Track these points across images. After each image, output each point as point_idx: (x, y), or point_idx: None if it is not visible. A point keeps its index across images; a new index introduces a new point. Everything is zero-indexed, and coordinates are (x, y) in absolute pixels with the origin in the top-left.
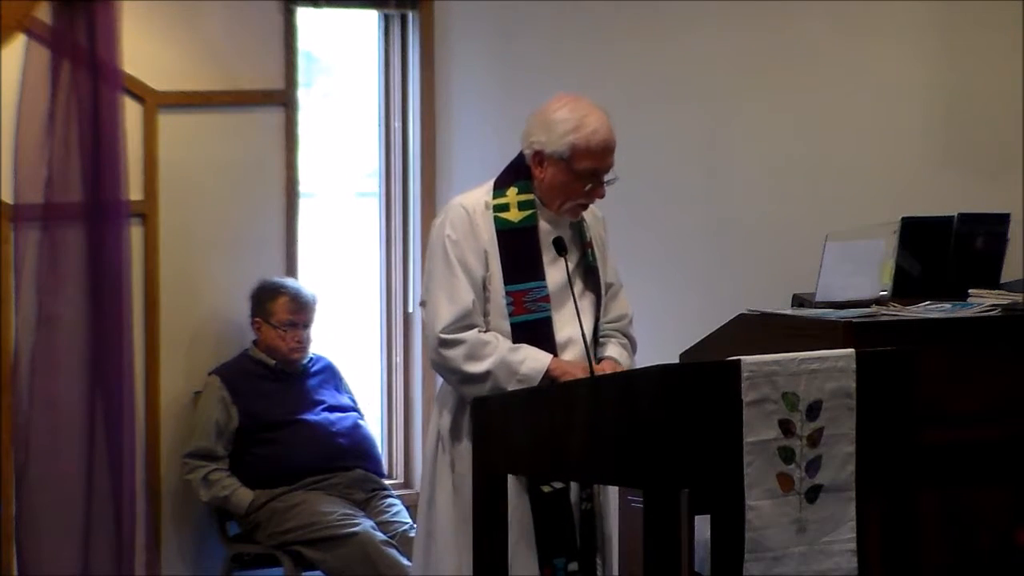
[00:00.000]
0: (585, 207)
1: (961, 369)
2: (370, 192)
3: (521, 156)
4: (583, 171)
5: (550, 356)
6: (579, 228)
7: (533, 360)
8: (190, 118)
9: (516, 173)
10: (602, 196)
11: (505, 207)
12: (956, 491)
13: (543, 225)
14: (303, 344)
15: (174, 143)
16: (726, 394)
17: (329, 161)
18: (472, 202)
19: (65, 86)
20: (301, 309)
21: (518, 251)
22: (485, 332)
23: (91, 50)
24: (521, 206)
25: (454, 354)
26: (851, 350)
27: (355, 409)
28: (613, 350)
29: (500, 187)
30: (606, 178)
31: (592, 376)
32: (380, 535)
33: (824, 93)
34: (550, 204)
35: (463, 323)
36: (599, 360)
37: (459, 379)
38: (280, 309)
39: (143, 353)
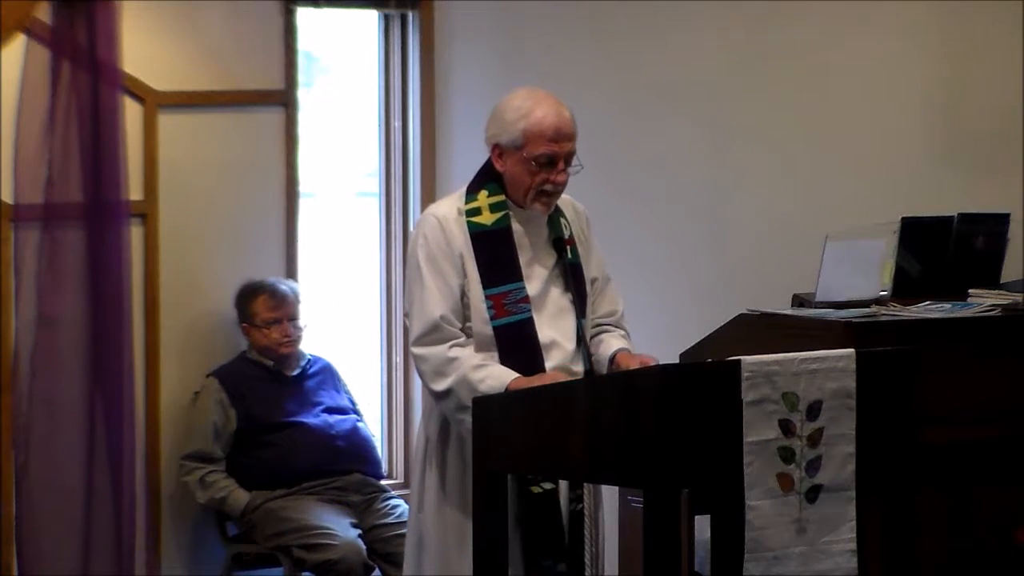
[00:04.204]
0: (551, 196)
1: (961, 369)
2: (370, 192)
3: (490, 159)
4: (538, 157)
5: (513, 374)
6: (556, 225)
7: (494, 379)
8: (190, 118)
9: (486, 176)
10: (563, 182)
11: (477, 211)
12: (956, 491)
13: (516, 226)
14: (291, 336)
15: (174, 143)
16: (726, 394)
17: (329, 161)
18: (444, 211)
19: (65, 86)
20: (280, 304)
21: (494, 254)
22: (461, 343)
23: (91, 50)
24: (493, 208)
25: (423, 369)
26: (851, 350)
27: (354, 410)
28: (619, 342)
29: (471, 192)
30: (572, 167)
31: (592, 376)
32: (362, 546)
33: (824, 92)
34: (517, 198)
35: (430, 336)
36: (612, 355)
37: (430, 393)
38: (260, 308)
39: (143, 353)
